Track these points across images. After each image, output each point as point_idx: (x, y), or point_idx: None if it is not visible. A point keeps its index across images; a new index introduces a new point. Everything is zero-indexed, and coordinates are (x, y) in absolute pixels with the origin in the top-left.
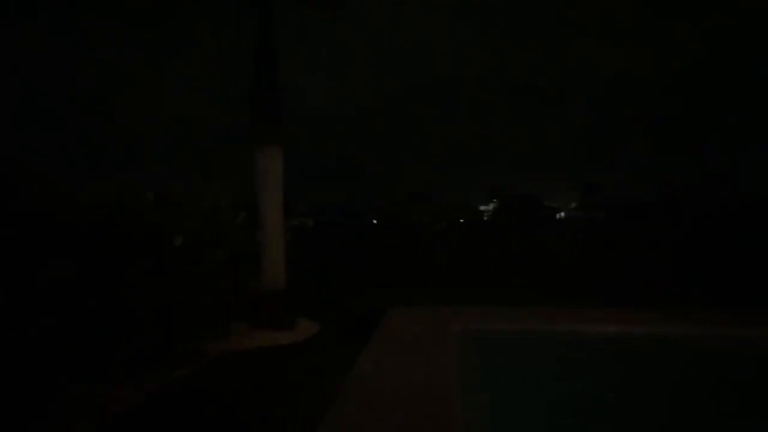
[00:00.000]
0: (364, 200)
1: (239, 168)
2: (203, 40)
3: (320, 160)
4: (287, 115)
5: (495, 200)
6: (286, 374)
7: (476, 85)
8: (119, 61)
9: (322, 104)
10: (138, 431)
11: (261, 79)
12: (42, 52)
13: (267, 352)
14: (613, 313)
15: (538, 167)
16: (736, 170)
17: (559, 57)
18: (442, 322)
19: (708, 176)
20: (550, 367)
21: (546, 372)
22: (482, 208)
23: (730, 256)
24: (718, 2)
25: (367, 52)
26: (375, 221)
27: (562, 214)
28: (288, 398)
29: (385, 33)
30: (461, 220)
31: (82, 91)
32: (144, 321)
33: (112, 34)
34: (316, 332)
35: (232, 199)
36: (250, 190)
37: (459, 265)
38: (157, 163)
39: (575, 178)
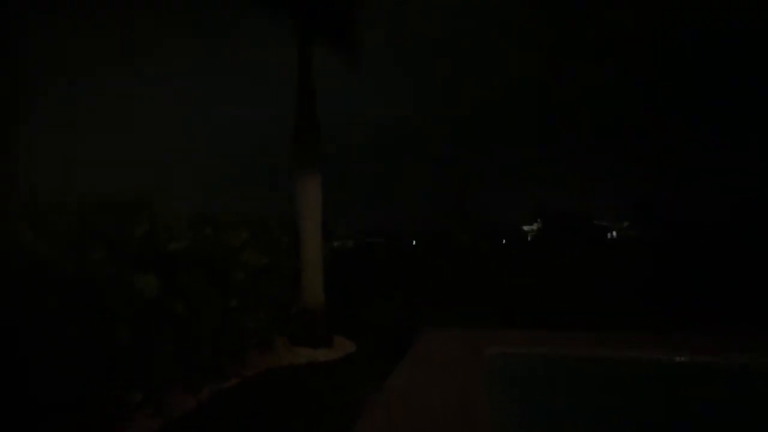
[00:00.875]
0: (406, 220)
1: (283, 193)
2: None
3: (364, 180)
4: (338, 138)
5: (539, 220)
6: (323, 390)
7: (518, 102)
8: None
9: (369, 127)
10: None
11: (301, 114)
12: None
13: (307, 368)
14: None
15: (588, 183)
16: None
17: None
18: (475, 343)
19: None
20: (582, 392)
21: (579, 397)
22: (526, 228)
23: None
24: None
25: (410, 74)
26: (414, 242)
27: (614, 233)
28: (326, 411)
29: (430, 54)
30: (504, 241)
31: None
32: (201, 338)
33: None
34: (352, 351)
35: (278, 223)
36: (291, 215)
37: (499, 287)
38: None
39: (628, 194)
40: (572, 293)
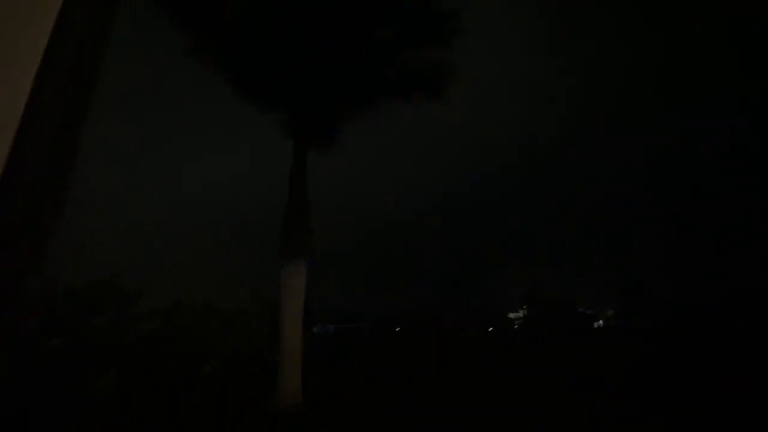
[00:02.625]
0: (392, 304)
1: (268, 276)
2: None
3: (352, 262)
4: (323, 220)
5: (525, 306)
6: None
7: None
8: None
9: (357, 210)
10: None
11: (292, 205)
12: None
13: None
14: None
15: (572, 266)
16: None
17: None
18: None
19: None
20: None
21: None
22: (512, 315)
23: None
24: None
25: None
26: (398, 328)
27: (601, 322)
28: None
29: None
30: (490, 329)
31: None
32: None
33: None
34: None
35: (259, 310)
36: (274, 301)
37: (484, 381)
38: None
39: (611, 279)
40: (554, 389)
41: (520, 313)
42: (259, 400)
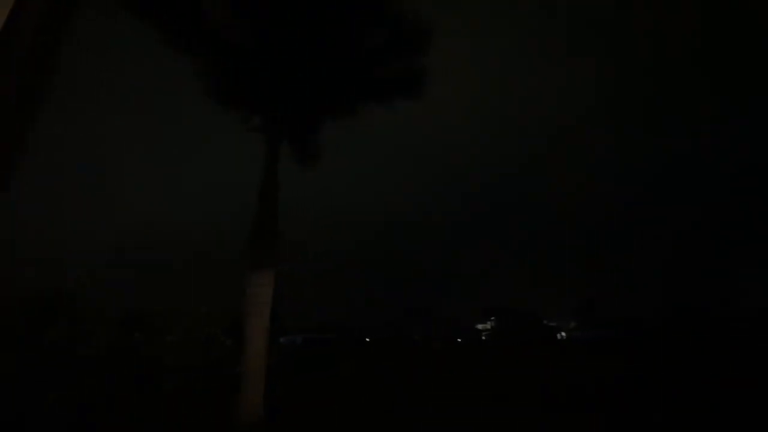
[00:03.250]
0: (362, 315)
1: (234, 287)
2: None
3: (319, 273)
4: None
5: (493, 318)
6: None
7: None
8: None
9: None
10: None
11: (261, 211)
12: None
13: None
14: None
15: (537, 281)
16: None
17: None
18: None
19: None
20: None
21: None
22: (480, 326)
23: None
24: None
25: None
26: (368, 339)
27: (563, 334)
28: None
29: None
30: (459, 340)
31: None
32: None
33: None
34: None
35: (225, 320)
36: (240, 312)
37: (453, 394)
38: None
39: (573, 292)
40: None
41: (488, 325)
42: (218, 415)
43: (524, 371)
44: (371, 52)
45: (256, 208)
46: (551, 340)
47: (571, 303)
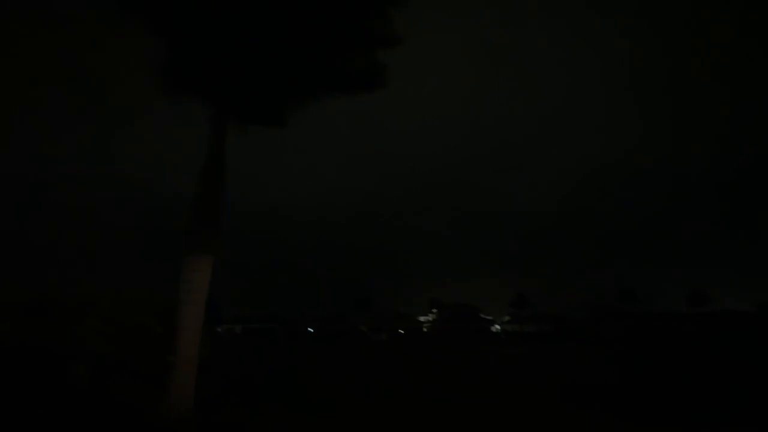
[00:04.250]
0: (304, 305)
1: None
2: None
3: (262, 263)
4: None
5: (435, 310)
6: None
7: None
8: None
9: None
10: None
11: (204, 191)
12: None
13: None
14: None
15: (476, 275)
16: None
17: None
18: None
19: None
20: None
21: None
22: (422, 318)
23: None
24: None
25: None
26: (311, 329)
27: (498, 327)
28: None
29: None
30: (401, 331)
31: None
32: None
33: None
34: None
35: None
36: (174, 298)
37: (395, 384)
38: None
39: (508, 287)
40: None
41: (430, 317)
42: (144, 408)
43: (449, 358)
44: (332, 44)
45: (196, 190)
46: (486, 332)
47: (508, 298)
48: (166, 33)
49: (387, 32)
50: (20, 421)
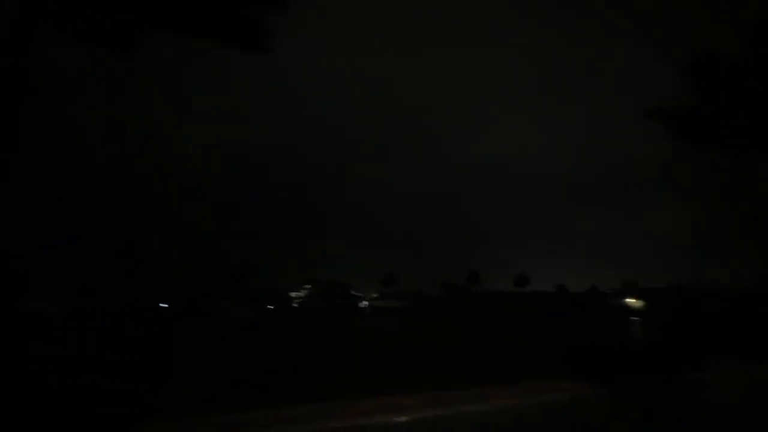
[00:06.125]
0: (165, 278)
1: None
2: None
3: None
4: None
5: (308, 286)
6: None
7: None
8: None
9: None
10: None
11: None
12: None
13: None
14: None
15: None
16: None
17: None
18: None
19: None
20: None
21: None
22: (293, 294)
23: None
24: None
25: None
26: (163, 305)
27: (366, 303)
28: None
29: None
30: (270, 307)
31: None
32: None
33: None
34: None
35: None
36: None
37: (256, 362)
38: None
39: (378, 267)
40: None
41: (301, 293)
42: None
43: (312, 329)
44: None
45: None
46: (353, 308)
47: (379, 276)
48: None
49: None
50: None
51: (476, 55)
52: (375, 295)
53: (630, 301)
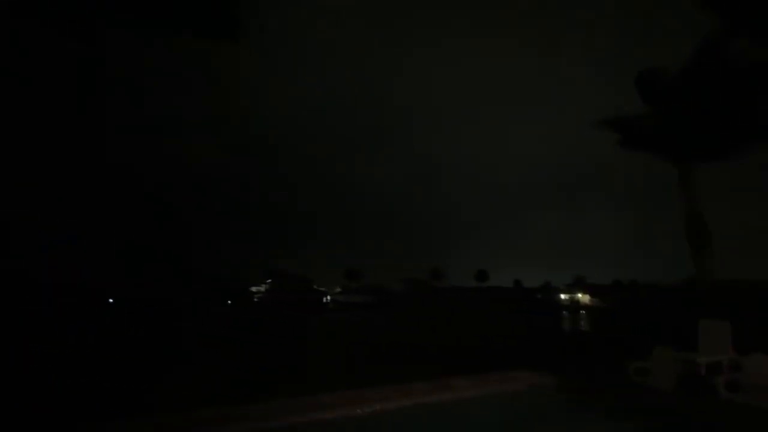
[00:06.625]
0: (116, 273)
1: None
2: None
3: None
4: None
5: (269, 281)
6: None
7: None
8: None
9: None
10: None
11: None
12: None
13: None
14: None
15: (317, 249)
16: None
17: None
18: None
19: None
20: None
21: None
22: (254, 289)
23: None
24: None
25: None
26: (111, 300)
27: (329, 297)
28: None
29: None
30: (229, 302)
31: None
32: None
33: None
34: None
35: None
36: None
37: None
38: None
39: (342, 262)
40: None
41: (262, 287)
42: None
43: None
44: None
45: None
46: (317, 302)
47: (342, 271)
48: None
49: None
50: None
51: (432, 56)
52: (338, 290)
53: (579, 295)
